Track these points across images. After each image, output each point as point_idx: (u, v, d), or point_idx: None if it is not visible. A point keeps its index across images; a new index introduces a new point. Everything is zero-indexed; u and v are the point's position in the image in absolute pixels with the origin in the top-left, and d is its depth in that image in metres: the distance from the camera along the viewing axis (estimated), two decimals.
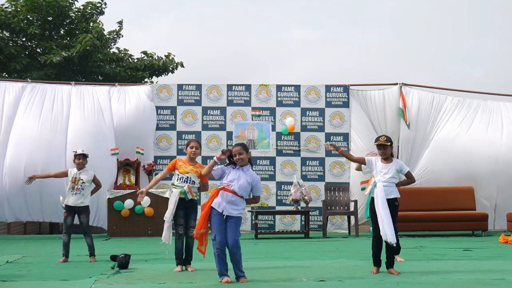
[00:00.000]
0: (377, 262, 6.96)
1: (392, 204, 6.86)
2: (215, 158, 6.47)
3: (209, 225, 6.49)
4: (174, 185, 7.36)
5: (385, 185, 6.87)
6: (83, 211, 8.56)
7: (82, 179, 8.53)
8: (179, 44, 41.19)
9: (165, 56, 20.52)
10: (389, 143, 6.94)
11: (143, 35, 33.64)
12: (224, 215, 6.29)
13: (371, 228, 7.66)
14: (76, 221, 8.69)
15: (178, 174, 7.34)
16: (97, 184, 8.74)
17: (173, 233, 7.35)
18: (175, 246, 7.32)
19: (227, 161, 6.53)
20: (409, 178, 7.19)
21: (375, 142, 7.03)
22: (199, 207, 7.20)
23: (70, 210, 8.49)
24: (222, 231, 6.27)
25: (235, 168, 6.40)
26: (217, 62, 35.46)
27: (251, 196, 6.51)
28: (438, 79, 34.24)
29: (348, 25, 39.71)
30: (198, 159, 13.15)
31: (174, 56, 20.61)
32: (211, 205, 6.34)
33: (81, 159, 8.59)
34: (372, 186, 6.98)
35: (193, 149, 7.40)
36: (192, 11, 39.52)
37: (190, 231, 7.28)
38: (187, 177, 7.30)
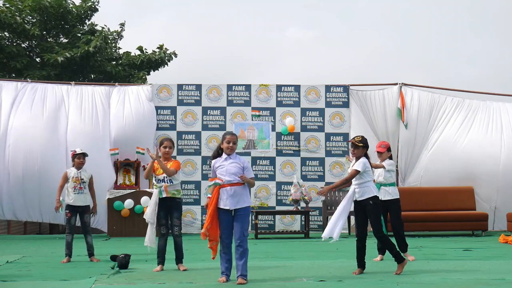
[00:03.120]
0: (361, 264, 6.94)
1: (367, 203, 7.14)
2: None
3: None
4: (155, 185, 7.47)
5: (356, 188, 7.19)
6: (87, 210, 8.60)
7: (83, 179, 8.56)
8: (174, 44, 41.22)
9: (158, 48, 20.47)
10: (361, 144, 7.12)
11: (137, 34, 33.64)
12: (231, 210, 6.34)
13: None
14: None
15: (155, 176, 7.46)
16: (91, 186, 8.72)
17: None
18: (157, 245, 7.39)
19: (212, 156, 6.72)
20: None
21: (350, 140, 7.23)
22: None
23: (73, 210, 8.50)
24: (229, 229, 6.36)
25: (223, 159, 6.57)
26: (214, 62, 35.48)
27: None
28: (438, 79, 34.26)
29: (348, 24, 39.74)
30: (198, 159, 13.19)
31: (163, 45, 20.52)
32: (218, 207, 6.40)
33: (81, 158, 8.64)
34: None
35: (167, 149, 7.49)
36: (187, 11, 39.56)
37: (175, 230, 7.38)
38: (163, 177, 7.38)
